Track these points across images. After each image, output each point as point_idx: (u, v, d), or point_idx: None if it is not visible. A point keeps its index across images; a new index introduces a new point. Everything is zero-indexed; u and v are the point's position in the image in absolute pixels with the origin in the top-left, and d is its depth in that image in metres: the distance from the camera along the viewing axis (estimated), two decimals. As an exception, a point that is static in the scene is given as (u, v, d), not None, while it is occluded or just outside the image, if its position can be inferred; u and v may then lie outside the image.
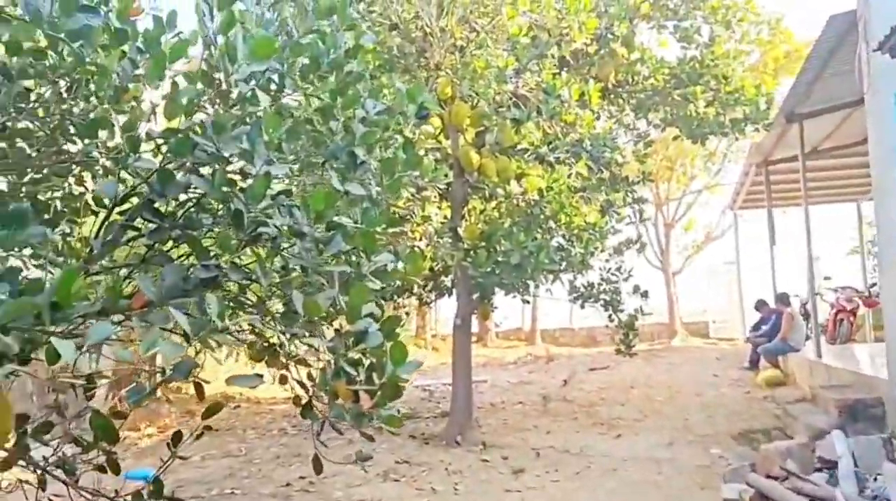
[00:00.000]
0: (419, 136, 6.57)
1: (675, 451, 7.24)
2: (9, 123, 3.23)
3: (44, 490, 3.40)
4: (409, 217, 6.71)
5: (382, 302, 8.18)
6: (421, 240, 7.58)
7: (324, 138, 3.43)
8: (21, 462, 3.22)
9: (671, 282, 22.29)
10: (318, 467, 3.30)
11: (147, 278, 2.92)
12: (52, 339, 2.05)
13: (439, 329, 22.78)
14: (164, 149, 2.94)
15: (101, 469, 3.43)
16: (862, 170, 15.49)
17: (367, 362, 2.93)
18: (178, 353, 2.34)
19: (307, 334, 2.86)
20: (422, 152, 7.07)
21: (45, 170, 3.51)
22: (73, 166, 3.33)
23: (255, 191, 2.74)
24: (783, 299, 12.14)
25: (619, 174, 8.33)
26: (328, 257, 2.93)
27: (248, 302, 3.29)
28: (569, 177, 8.46)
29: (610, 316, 8.98)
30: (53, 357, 2.13)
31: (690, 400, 10.00)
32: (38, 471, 3.29)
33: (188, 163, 2.91)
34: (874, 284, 16.04)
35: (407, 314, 10.12)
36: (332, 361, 2.88)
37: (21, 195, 3.64)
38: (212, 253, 2.83)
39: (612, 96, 9.06)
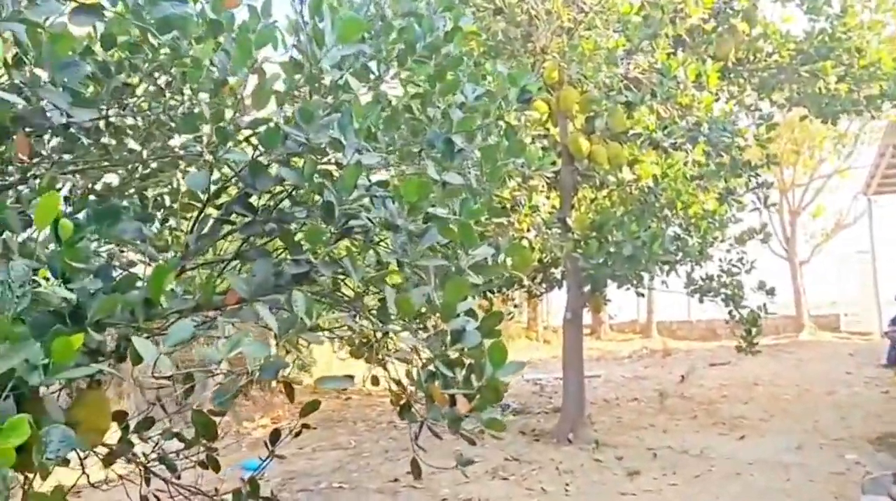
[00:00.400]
0: (524, 123, 6.34)
1: (805, 455, 6.72)
2: (113, 119, 3.23)
3: (147, 484, 3.41)
4: (515, 207, 6.48)
5: (490, 294, 8.01)
6: (529, 231, 7.34)
7: (422, 126, 3.26)
8: (122, 459, 3.24)
9: (798, 273, 21.05)
10: (416, 471, 3.16)
11: (237, 274, 2.84)
12: (133, 338, 1.96)
13: (551, 321, 22.40)
14: (255, 140, 2.86)
15: (202, 465, 3.41)
16: None
17: (465, 362, 2.75)
18: (262, 354, 2.22)
19: (402, 332, 2.70)
20: (528, 139, 6.83)
21: (152, 166, 3.51)
22: (180, 161, 3.30)
23: (345, 181, 2.60)
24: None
25: (741, 158, 7.80)
26: (424, 251, 2.76)
27: (344, 299, 3.18)
28: (685, 163, 8.02)
29: (731, 311, 8.46)
30: (136, 357, 2.05)
31: (821, 400, 9.34)
32: (141, 467, 3.30)
33: (279, 155, 2.82)
34: None
35: (516, 306, 9.89)
36: (427, 361, 2.72)
37: (131, 191, 3.66)
38: (304, 248, 2.72)
39: (731, 76, 8.50)
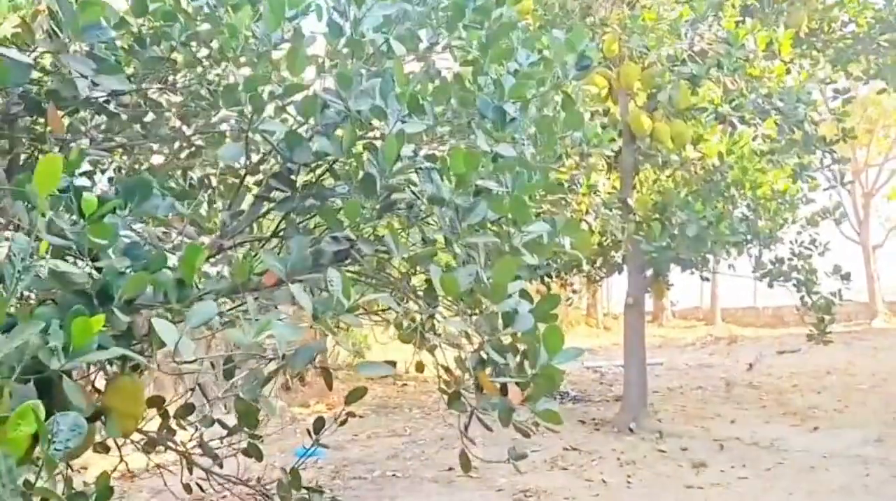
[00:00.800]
0: (582, 98, 6.04)
1: (886, 449, 6.31)
2: (153, 95, 3.10)
3: (191, 472, 3.29)
4: (573, 187, 6.20)
5: (548, 278, 7.74)
6: (587, 212, 7.05)
7: (473, 97, 3.04)
8: (163, 446, 3.12)
9: (871, 257, 20.19)
10: (465, 464, 2.96)
11: (272, 253, 2.67)
12: (153, 320, 1.80)
13: (611, 307, 21.99)
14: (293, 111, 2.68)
15: (245, 452, 3.27)
16: None
17: (519, 349, 2.53)
18: (294, 336, 2.05)
19: (452, 316, 2.50)
20: (587, 116, 6.54)
21: (197, 143, 3.37)
22: (224, 137, 3.15)
23: (387, 152, 2.40)
24: None
25: (815, 133, 7.36)
26: (472, 227, 2.55)
27: (389, 279, 2.99)
28: (753, 139, 7.61)
29: (802, 297, 8.02)
30: (159, 340, 1.89)
31: (900, 390, 8.85)
32: (183, 456, 3.18)
33: (319, 126, 2.64)
34: None
35: (575, 292, 9.61)
36: (477, 347, 2.51)
37: (175, 171, 3.53)
38: (346, 225, 2.53)
39: (804, 47, 8.03)
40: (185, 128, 3.22)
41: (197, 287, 2.19)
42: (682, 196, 7.30)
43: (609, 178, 7.95)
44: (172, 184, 3.15)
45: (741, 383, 9.75)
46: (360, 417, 8.47)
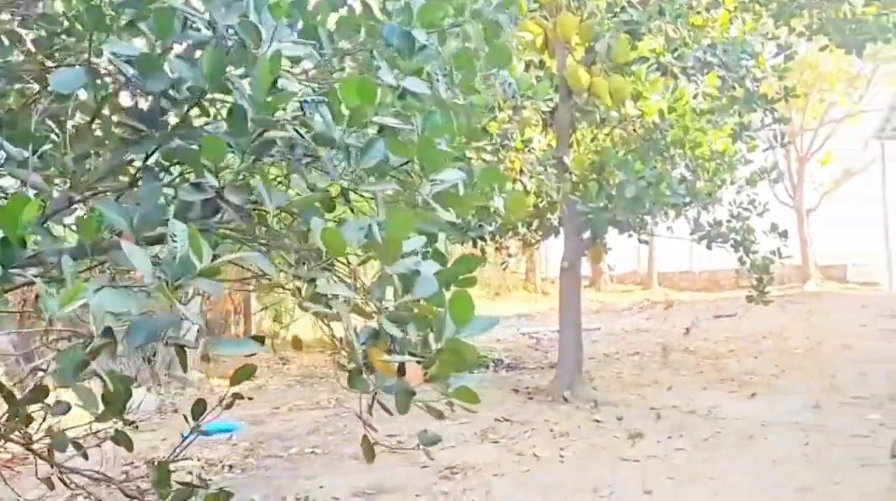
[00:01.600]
0: (516, 45, 5.61)
1: (824, 416, 6.13)
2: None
3: (51, 465, 2.81)
4: (505, 142, 5.77)
5: (482, 241, 7.30)
6: (522, 171, 6.65)
7: (380, 28, 2.56)
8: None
9: (804, 221, 20.41)
10: (368, 452, 2.54)
11: (113, 204, 2.16)
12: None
13: (549, 271, 21.83)
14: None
15: (114, 441, 2.79)
16: None
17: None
18: (122, 306, 1.58)
19: (326, 277, 2.04)
20: (521, 66, 6.10)
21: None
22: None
23: (259, 77, 1.92)
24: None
25: (756, 90, 7.09)
26: (369, 172, 2.10)
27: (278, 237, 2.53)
28: (694, 96, 7.29)
29: (741, 258, 7.79)
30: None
31: (836, 354, 8.75)
32: (34, 449, 2.68)
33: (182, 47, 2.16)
34: None
35: (510, 256, 9.26)
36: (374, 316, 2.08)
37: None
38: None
39: (746, 1, 7.72)
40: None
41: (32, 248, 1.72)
42: (621, 155, 6.96)
43: (545, 136, 7.57)
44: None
45: (678, 348, 9.58)
46: (249, 397, 8.03)
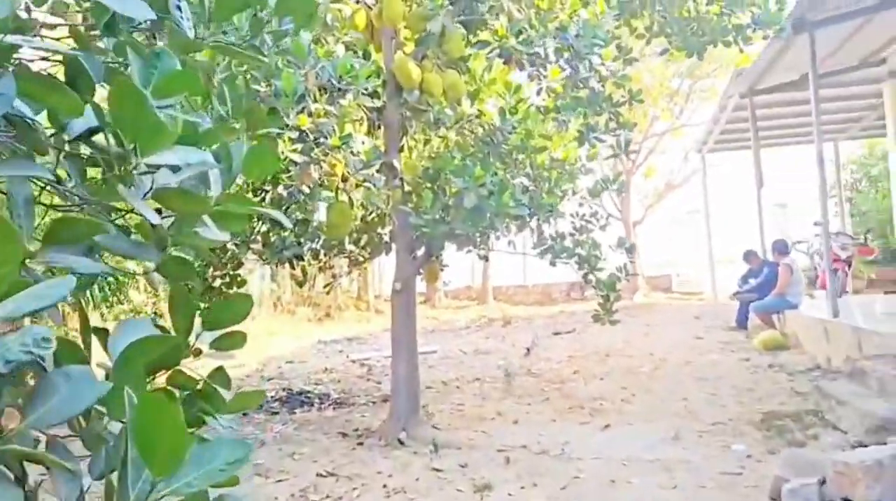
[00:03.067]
0: (332, 23, 4.63)
1: (686, 448, 5.52)
2: None
3: None
4: (319, 140, 4.70)
5: (299, 261, 6.15)
6: (345, 179, 5.61)
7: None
8: None
9: (631, 233, 20.72)
10: None
11: None
12: None
13: (384, 289, 20.89)
14: None
15: None
16: (851, 102, 14.01)
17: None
18: None
19: None
20: (340, 48, 5.09)
21: None
22: None
23: None
24: (780, 247, 10.51)
25: (602, 91, 6.48)
26: None
27: None
28: (538, 92, 6.59)
29: (586, 275, 7.13)
30: None
31: (681, 372, 8.34)
32: None
33: None
34: (868, 230, 14.68)
35: (335, 277, 8.18)
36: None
37: None
38: None
39: (587, -4, 7.14)
40: None
41: None
42: (458, 160, 6.11)
43: (373, 138, 6.60)
44: None
45: (520, 371, 8.86)
46: None
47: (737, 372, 8.06)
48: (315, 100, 4.44)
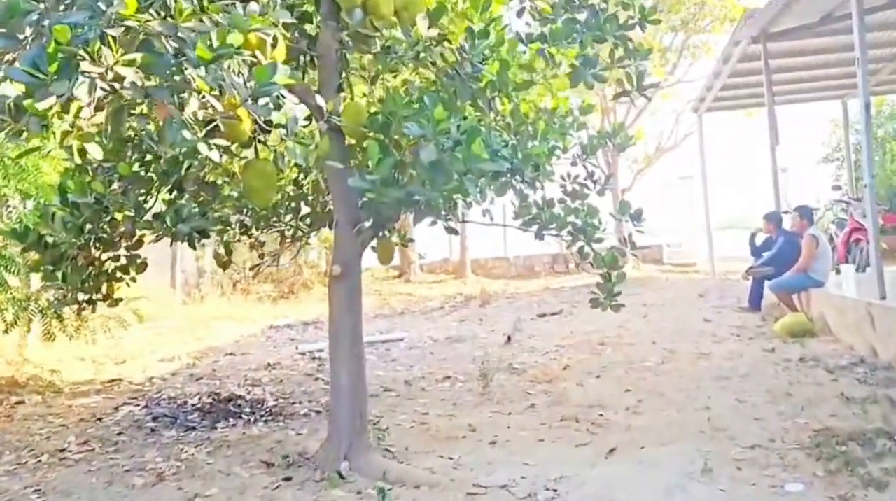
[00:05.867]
0: None
1: (724, 489, 4.04)
2: None
3: None
4: (180, 53, 3.05)
5: (225, 234, 4.52)
6: (259, 130, 4.01)
7: None
8: None
9: (619, 200, 19.24)
10: None
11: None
12: None
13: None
14: None
15: None
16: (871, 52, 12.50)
17: None
18: None
19: None
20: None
21: None
22: None
23: None
24: (806, 213, 9.05)
25: (605, 10, 4.95)
26: None
27: None
28: (519, 14, 5.04)
29: (581, 249, 5.56)
30: None
31: (696, 368, 6.89)
32: None
33: None
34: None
35: (262, 257, 6.60)
36: None
37: None
38: None
39: None
40: None
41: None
42: (415, 101, 4.55)
43: (304, 76, 5.03)
44: None
45: (500, 366, 7.36)
46: None
47: (764, 369, 6.61)
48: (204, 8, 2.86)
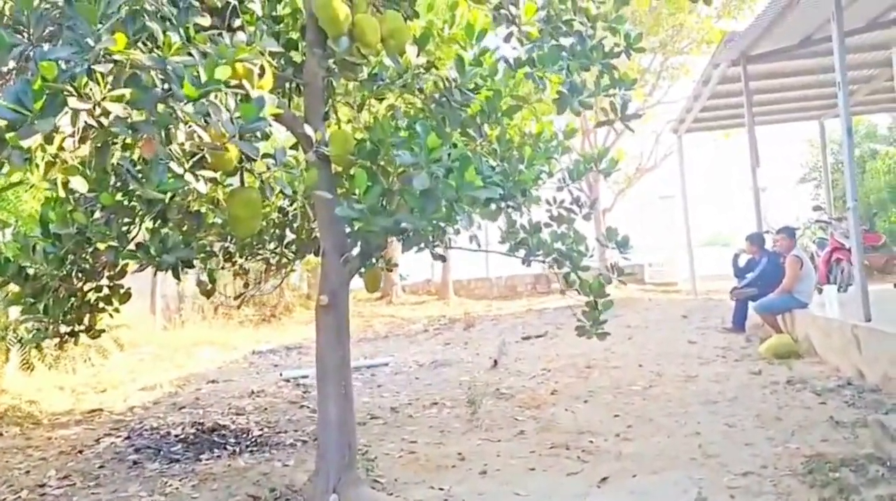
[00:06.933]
0: None
1: (719, 519, 4.02)
2: None
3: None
4: (167, 87, 3.00)
5: (206, 262, 4.50)
6: (245, 158, 3.96)
7: None
8: None
9: (601, 222, 19.32)
10: None
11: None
12: None
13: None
14: None
15: None
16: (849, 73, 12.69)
17: None
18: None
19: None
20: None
21: None
22: None
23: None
24: (788, 234, 9.10)
25: (591, 37, 4.96)
26: None
27: None
28: (507, 40, 5.04)
29: (567, 275, 5.53)
30: None
31: (684, 392, 6.87)
32: None
33: None
34: (876, 212, 13.41)
35: (248, 286, 6.53)
36: None
37: None
38: None
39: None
40: None
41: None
42: (403, 129, 4.52)
43: (289, 98, 4.99)
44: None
45: (487, 391, 7.31)
46: None
47: (752, 392, 6.61)
48: (169, 22, 2.81)
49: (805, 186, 19.22)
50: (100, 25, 2.38)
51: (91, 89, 2.44)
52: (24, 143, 2.37)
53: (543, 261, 5.51)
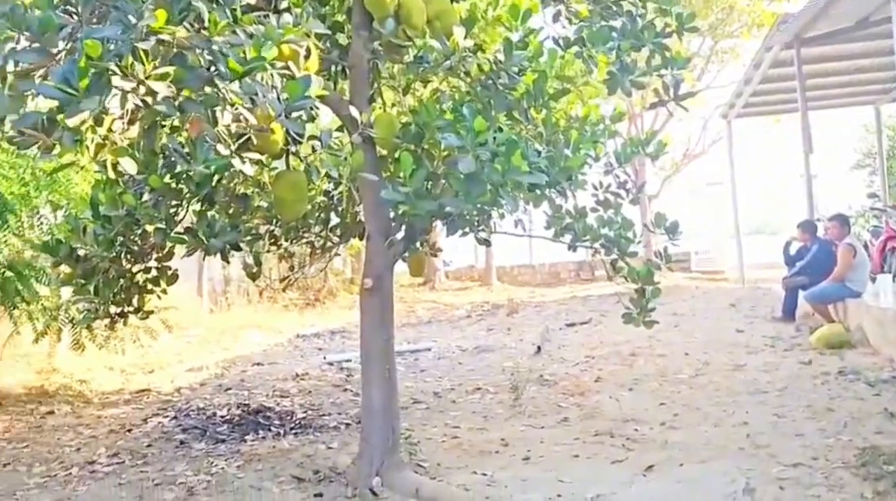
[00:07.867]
0: None
1: (768, 510, 3.93)
2: None
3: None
4: (213, 67, 2.99)
5: (252, 246, 4.51)
6: (291, 141, 3.96)
7: None
8: None
9: (647, 208, 19.04)
10: None
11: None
12: None
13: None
14: None
15: None
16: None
17: None
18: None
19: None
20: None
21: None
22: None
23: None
24: (841, 221, 8.85)
25: (643, 15, 4.86)
26: None
27: None
28: (555, 20, 4.96)
29: (614, 262, 5.42)
30: None
31: (731, 381, 6.74)
32: None
33: None
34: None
35: (293, 269, 6.58)
36: None
37: None
38: None
39: None
40: None
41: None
42: (449, 111, 4.49)
43: (335, 85, 4.98)
44: None
45: (530, 378, 7.26)
46: None
47: (802, 382, 6.46)
48: (215, 2, 2.82)
49: (858, 173, 18.69)
50: (143, 3, 2.38)
51: (136, 68, 2.45)
52: (71, 123, 2.39)
53: (590, 247, 5.41)
